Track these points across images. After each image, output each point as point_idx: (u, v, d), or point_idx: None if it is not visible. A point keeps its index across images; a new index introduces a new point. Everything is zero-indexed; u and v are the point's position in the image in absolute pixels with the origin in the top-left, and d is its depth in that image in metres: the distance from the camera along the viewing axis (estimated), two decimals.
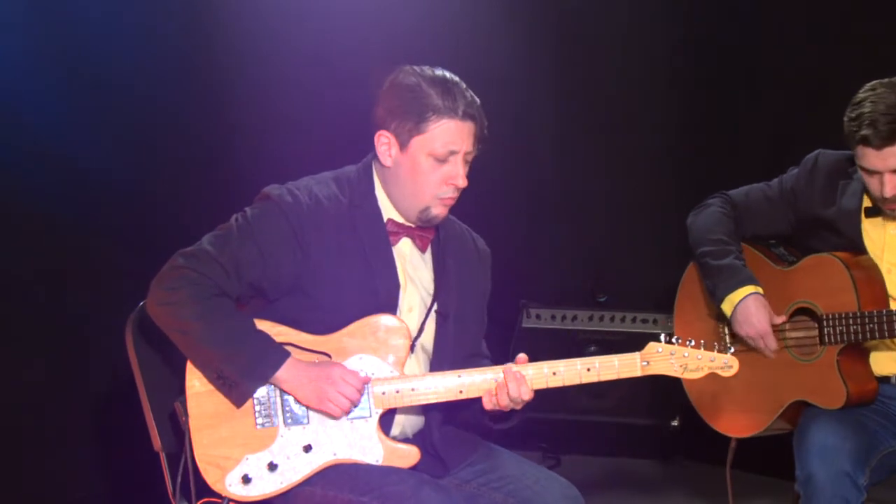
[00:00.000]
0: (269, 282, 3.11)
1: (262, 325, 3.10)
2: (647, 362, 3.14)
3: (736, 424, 3.95)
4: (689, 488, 5.39)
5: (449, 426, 3.28)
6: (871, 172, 3.59)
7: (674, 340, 3.16)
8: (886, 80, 3.57)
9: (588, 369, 3.13)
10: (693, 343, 3.17)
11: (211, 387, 3.06)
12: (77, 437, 4.70)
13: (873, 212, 3.70)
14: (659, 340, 3.16)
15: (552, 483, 3.19)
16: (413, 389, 3.11)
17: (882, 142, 3.50)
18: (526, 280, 5.83)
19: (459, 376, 3.11)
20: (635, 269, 5.73)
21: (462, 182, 3.16)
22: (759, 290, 3.78)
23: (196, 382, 3.07)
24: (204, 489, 3.10)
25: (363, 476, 3.03)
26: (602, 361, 3.14)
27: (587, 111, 5.75)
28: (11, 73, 4.40)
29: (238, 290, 3.09)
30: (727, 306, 3.81)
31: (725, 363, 3.17)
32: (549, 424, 5.65)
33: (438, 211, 3.19)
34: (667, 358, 3.15)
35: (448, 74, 3.16)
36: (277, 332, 3.10)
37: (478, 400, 3.15)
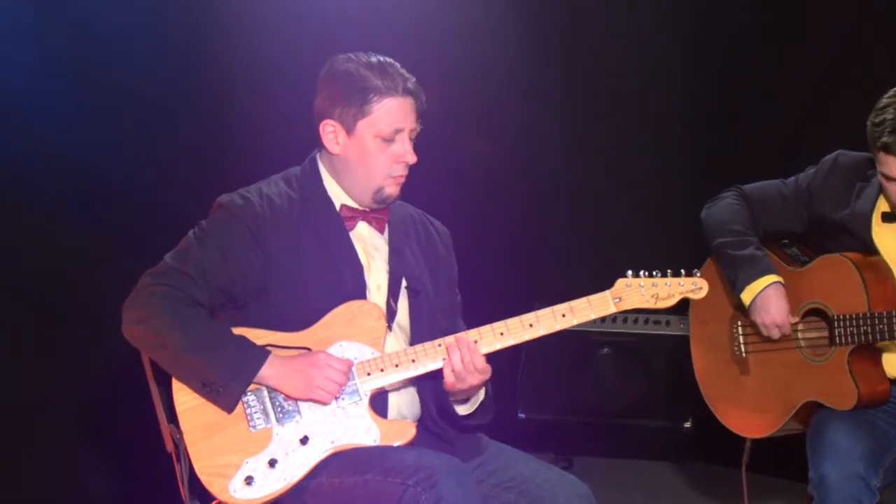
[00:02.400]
0: (237, 285, 3.14)
1: (238, 330, 3.12)
2: (620, 298, 3.15)
3: (749, 424, 3.94)
4: (702, 490, 5.39)
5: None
6: (890, 179, 3.57)
7: (641, 273, 3.16)
8: None
9: (563, 315, 3.15)
10: (660, 273, 3.17)
11: (199, 400, 3.07)
12: (87, 438, 4.71)
13: (891, 217, 3.68)
14: (626, 276, 3.16)
15: (563, 482, 3.20)
16: (397, 366, 3.13)
17: None
18: (537, 280, 5.83)
19: (440, 345, 3.14)
20: (646, 267, 5.71)
21: (412, 158, 3.21)
22: (780, 279, 3.77)
23: (184, 398, 3.09)
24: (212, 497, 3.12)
25: (365, 457, 3.05)
26: (575, 306, 3.16)
27: (598, 109, 5.75)
28: (16, 75, 4.41)
29: (208, 297, 3.12)
30: (747, 295, 3.78)
31: (695, 285, 3.18)
32: (561, 426, 5.65)
33: (392, 190, 3.23)
34: (637, 290, 3.15)
35: (382, 57, 3.22)
36: (255, 335, 3.12)
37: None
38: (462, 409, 3.26)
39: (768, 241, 3.94)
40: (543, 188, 5.87)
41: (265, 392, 3.10)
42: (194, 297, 3.09)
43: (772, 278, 3.76)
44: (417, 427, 3.18)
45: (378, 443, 3.11)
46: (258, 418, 3.09)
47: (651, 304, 3.17)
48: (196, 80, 4.92)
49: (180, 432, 3.08)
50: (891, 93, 3.55)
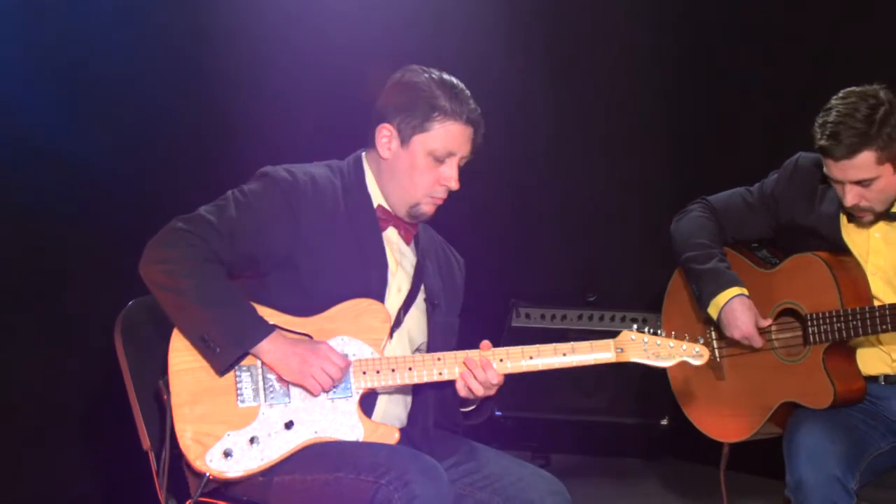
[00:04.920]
0: (263, 251, 3.15)
1: None
2: (622, 349, 3.24)
3: (726, 429, 3.94)
4: (679, 488, 5.40)
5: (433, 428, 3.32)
6: (833, 180, 3.59)
7: (647, 329, 3.26)
8: (860, 88, 3.54)
9: (563, 354, 3.22)
10: (664, 333, 3.27)
11: (195, 365, 3.07)
12: (71, 436, 4.69)
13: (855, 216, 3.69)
14: (632, 329, 3.26)
15: (537, 479, 3.22)
16: (393, 370, 3.15)
17: (842, 154, 3.49)
18: (516, 279, 5.84)
19: (439, 359, 3.17)
20: (625, 268, 5.74)
21: (455, 185, 3.25)
22: (744, 291, 3.77)
23: (179, 360, 3.08)
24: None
25: (338, 454, 3.05)
26: (577, 346, 3.24)
27: (579, 112, 5.75)
28: (8, 72, 4.38)
29: (231, 257, 3.12)
30: (713, 310, 3.80)
31: (696, 352, 3.27)
32: (538, 424, 5.66)
33: (427, 209, 3.28)
34: (640, 345, 3.24)
35: (455, 79, 3.26)
36: (261, 312, 3.12)
37: (453, 394, 3.22)
38: (465, 408, 3.30)
39: (738, 244, 3.95)
40: (523, 187, 5.88)
41: (259, 370, 3.10)
42: (217, 254, 3.10)
43: (735, 291, 3.77)
44: (400, 433, 3.19)
45: (360, 441, 3.11)
46: (247, 394, 3.09)
47: (649, 361, 3.26)
48: (195, 76, 4.91)
49: (168, 392, 3.08)
50: (841, 94, 3.56)
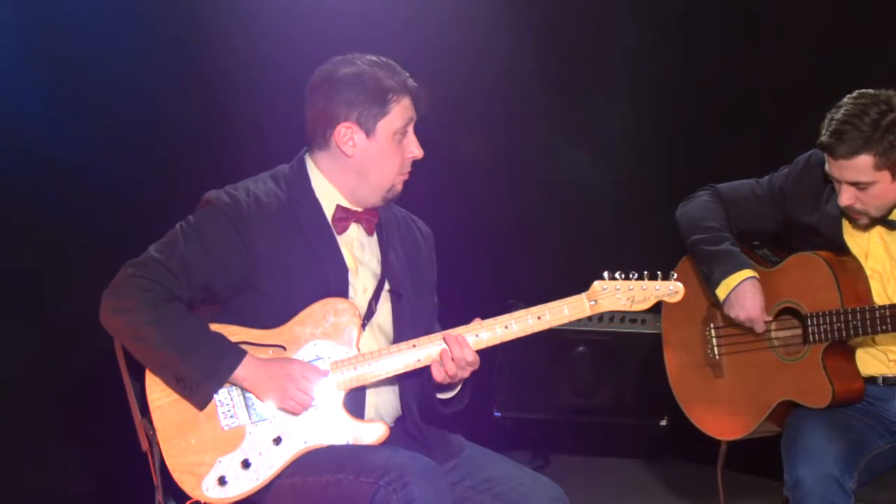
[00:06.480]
0: (219, 281, 3.15)
1: (214, 327, 3.12)
2: (595, 301, 3.17)
3: (724, 427, 3.94)
4: (678, 488, 5.40)
5: (431, 426, 3.31)
6: (832, 177, 3.60)
7: (616, 275, 3.18)
8: (875, 91, 3.54)
9: (538, 318, 3.16)
10: (636, 275, 3.19)
11: (173, 397, 3.08)
12: (71, 436, 4.70)
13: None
14: (602, 278, 3.18)
15: (537, 484, 3.21)
16: (370, 364, 3.14)
17: (841, 154, 3.49)
18: (513, 279, 5.83)
19: (415, 346, 3.15)
20: (624, 268, 5.73)
21: (419, 151, 3.26)
22: (756, 275, 3.77)
23: (157, 395, 3.08)
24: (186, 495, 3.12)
25: (338, 456, 3.06)
26: (551, 308, 3.17)
27: (577, 109, 5.76)
28: (5, 73, 4.38)
29: (189, 293, 3.12)
30: (722, 290, 3.78)
31: (671, 289, 3.21)
32: (538, 424, 5.66)
33: (400, 187, 3.29)
34: (613, 294, 3.17)
35: (378, 56, 3.26)
36: (229, 331, 3.12)
37: (429, 381, 3.20)
38: (442, 395, 3.28)
39: (739, 242, 3.95)
40: (522, 187, 5.88)
41: (238, 390, 3.10)
42: (175, 293, 3.09)
43: (747, 273, 3.76)
44: (393, 428, 3.19)
45: (350, 443, 3.12)
46: (231, 417, 3.09)
47: (626, 307, 3.19)
48: (192, 78, 4.90)
49: (153, 428, 3.08)
50: (855, 94, 3.56)
